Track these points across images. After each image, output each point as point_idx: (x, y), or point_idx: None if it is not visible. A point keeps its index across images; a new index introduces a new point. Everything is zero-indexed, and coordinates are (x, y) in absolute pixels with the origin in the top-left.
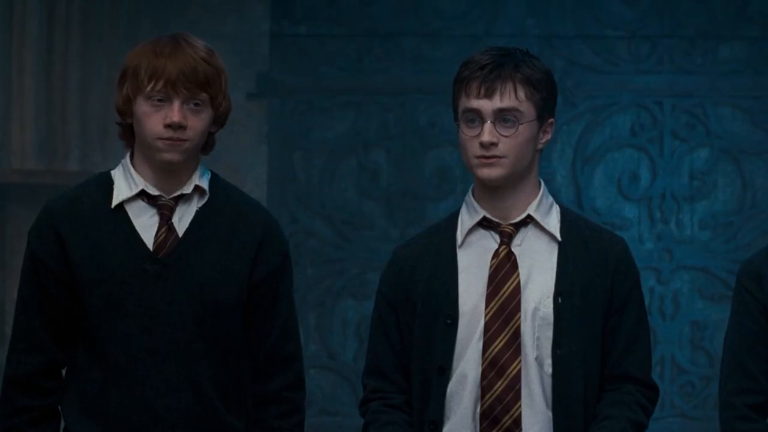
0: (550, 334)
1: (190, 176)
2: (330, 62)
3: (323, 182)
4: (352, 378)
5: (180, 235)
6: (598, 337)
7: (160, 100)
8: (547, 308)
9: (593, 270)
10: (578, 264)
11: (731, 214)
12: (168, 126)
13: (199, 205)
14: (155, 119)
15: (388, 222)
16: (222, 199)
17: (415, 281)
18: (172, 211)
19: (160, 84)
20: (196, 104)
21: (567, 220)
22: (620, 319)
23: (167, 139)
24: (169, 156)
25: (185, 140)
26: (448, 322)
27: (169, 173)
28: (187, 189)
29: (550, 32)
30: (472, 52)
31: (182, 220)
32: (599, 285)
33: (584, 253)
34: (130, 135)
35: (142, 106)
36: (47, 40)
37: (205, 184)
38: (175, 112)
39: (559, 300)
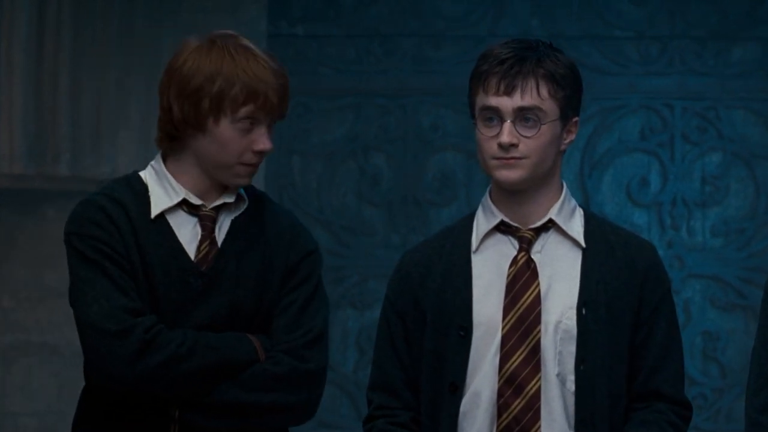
0: (573, 348)
1: None
2: (328, 64)
3: (322, 187)
4: (352, 390)
5: (219, 245)
6: (626, 352)
7: (251, 124)
8: (570, 320)
9: (620, 278)
10: (604, 272)
11: (744, 220)
12: (258, 152)
13: (236, 213)
14: (242, 144)
15: (389, 228)
16: (254, 205)
17: (425, 289)
18: (214, 222)
19: (261, 112)
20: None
21: (591, 224)
22: (650, 331)
23: (251, 165)
24: (245, 181)
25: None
26: (461, 334)
27: (215, 185)
28: (230, 198)
29: (555, 33)
30: (474, 54)
31: (221, 229)
32: (627, 295)
33: (611, 260)
34: (173, 142)
35: (227, 129)
36: (37, 41)
37: (241, 191)
38: (266, 139)
39: (583, 311)
